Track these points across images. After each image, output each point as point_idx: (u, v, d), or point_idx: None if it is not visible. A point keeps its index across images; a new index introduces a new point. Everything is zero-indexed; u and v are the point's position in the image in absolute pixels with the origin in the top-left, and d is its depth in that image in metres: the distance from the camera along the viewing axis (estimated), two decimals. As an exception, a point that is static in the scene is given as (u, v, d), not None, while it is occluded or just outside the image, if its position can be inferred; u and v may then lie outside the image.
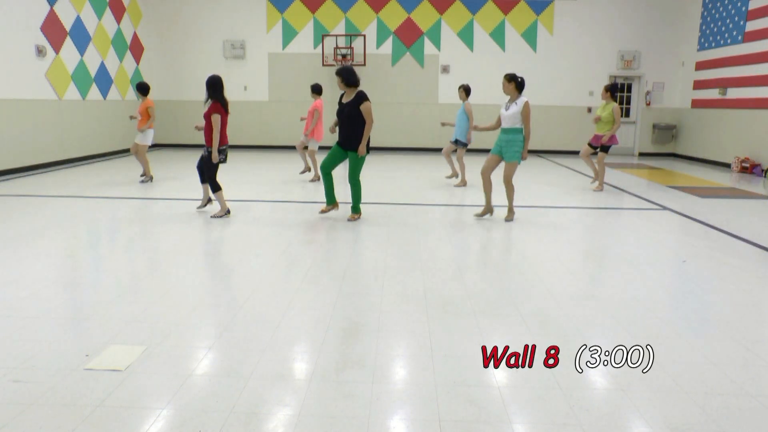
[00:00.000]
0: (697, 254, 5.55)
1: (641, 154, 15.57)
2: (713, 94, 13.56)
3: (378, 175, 10.87)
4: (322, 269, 4.82)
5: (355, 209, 6.81)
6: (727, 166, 12.85)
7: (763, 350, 3.35)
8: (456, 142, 9.53)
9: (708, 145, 13.86)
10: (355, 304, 3.99)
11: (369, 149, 6.70)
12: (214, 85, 6.60)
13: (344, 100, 6.58)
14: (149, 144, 9.36)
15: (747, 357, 3.26)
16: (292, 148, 15.13)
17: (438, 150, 14.98)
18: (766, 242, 5.98)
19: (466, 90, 9.35)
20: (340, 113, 6.60)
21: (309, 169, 10.14)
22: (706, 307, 4.08)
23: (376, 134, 15.55)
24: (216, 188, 6.72)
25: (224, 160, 6.75)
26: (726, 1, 13.09)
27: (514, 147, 6.59)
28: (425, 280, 4.56)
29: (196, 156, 13.67)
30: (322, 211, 6.91)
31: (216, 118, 6.51)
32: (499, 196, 7.53)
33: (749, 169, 11.88)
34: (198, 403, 2.67)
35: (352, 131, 6.49)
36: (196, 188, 8.92)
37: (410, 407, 2.67)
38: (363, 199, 8.02)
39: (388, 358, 3.17)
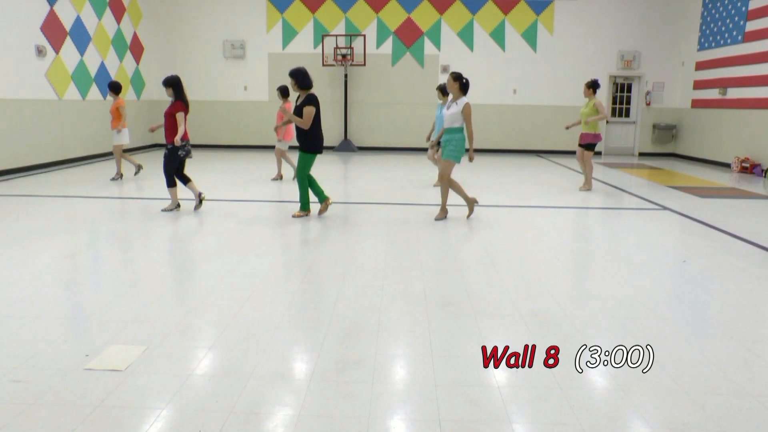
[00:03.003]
0: (697, 254, 5.55)
1: (641, 154, 15.57)
2: (713, 94, 13.56)
3: (378, 175, 10.88)
4: (322, 269, 4.82)
5: (302, 207, 6.85)
6: (727, 166, 12.85)
7: (763, 350, 3.35)
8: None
9: (708, 145, 13.86)
10: (355, 304, 3.99)
11: (318, 150, 6.69)
12: (178, 85, 6.86)
13: (298, 102, 6.65)
14: (124, 143, 9.49)
15: (747, 357, 3.26)
16: (294, 148, 15.12)
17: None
18: (766, 242, 5.98)
19: (442, 90, 9.12)
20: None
21: (281, 177, 9.97)
22: (706, 307, 4.08)
23: (376, 134, 15.59)
24: (171, 184, 6.99)
25: (187, 155, 6.98)
26: (726, 1, 13.09)
27: (451, 145, 6.60)
28: (425, 280, 4.56)
29: (197, 156, 13.66)
30: (319, 213, 6.95)
31: (181, 116, 6.77)
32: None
33: (749, 169, 11.88)
34: (198, 403, 2.67)
35: (299, 132, 6.61)
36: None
37: (410, 407, 2.67)
38: (364, 199, 8.04)
39: (388, 358, 3.17)
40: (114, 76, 13.35)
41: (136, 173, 9.91)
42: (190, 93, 15.22)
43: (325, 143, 15.75)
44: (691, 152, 14.67)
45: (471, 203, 6.94)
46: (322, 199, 6.88)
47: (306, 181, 6.78)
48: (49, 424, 2.48)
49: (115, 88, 9.36)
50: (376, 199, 8.20)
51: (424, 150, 15.50)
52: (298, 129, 6.60)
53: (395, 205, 7.73)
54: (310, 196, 6.93)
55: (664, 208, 7.92)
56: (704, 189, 9.75)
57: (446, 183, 6.77)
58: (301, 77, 6.50)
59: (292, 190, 8.91)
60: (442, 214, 6.85)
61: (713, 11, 13.62)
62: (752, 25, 12.10)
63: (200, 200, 7.08)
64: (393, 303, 4.02)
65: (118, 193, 8.39)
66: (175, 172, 7.00)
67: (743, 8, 12.42)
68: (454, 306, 3.98)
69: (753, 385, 2.93)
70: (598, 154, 15.48)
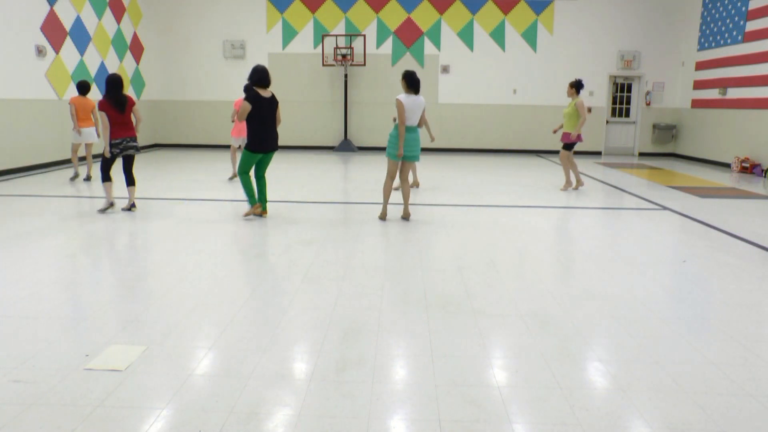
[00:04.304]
0: (697, 254, 5.55)
1: (641, 154, 15.57)
2: (713, 94, 13.56)
3: (378, 175, 10.87)
4: (322, 269, 4.82)
5: (250, 202, 6.75)
6: (727, 166, 12.85)
7: (763, 350, 3.35)
8: None
9: (708, 145, 13.86)
10: (355, 304, 3.99)
11: (255, 149, 6.53)
12: (110, 84, 6.81)
13: None
14: (76, 143, 9.37)
15: (747, 357, 3.26)
16: (294, 148, 15.13)
17: (438, 150, 14.98)
18: (766, 242, 5.98)
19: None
20: None
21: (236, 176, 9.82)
22: (706, 307, 4.08)
23: (376, 134, 15.56)
24: (106, 179, 6.95)
25: (119, 153, 6.93)
26: (726, 1, 13.09)
27: (389, 143, 6.52)
28: (425, 280, 4.56)
29: (197, 155, 13.69)
30: (245, 214, 6.83)
31: (102, 115, 6.76)
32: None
33: (749, 169, 11.87)
34: (198, 403, 2.67)
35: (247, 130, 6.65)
36: (195, 188, 8.93)
37: (410, 407, 2.67)
38: (364, 199, 8.06)
39: (388, 358, 3.17)
40: (114, 76, 13.34)
41: (72, 178, 9.45)
42: (190, 93, 15.42)
43: (326, 143, 15.85)
44: (691, 152, 14.66)
45: (384, 212, 6.80)
46: (253, 202, 6.71)
47: (246, 177, 6.61)
48: (49, 424, 2.48)
49: (83, 88, 9.21)
50: (376, 199, 8.19)
51: (423, 150, 15.47)
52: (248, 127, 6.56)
53: (395, 205, 7.73)
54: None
55: (664, 208, 7.92)
56: (704, 189, 9.75)
57: (386, 182, 6.67)
58: (250, 74, 6.46)
59: (293, 190, 8.92)
60: (384, 214, 6.75)
61: (713, 11, 13.62)
62: (752, 25, 12.10)
63: (108, 207, 7.05)
64: (393, 303, 4.03)
65: (117, 194, 8.38)
66: (108, 168, 6.94)
67: (743, 8, 12.42)
68: (454, 306, 3.98)
69: (753, 385, 2.94)
70: (598, 154, 15.49)
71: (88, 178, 9.52)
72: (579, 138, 8.98)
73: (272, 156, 6.74)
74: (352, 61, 14.78)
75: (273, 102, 6.52)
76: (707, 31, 13.84)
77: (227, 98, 15.48)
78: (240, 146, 9.46)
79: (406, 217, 6.78)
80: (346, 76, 14.99)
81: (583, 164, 12.86)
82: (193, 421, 2.52)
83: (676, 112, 15.28)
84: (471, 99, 15.38)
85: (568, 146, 9.07)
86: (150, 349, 3.23)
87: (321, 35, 14.98)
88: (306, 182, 9.78)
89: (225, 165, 11.95)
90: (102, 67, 12.84)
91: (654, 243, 5.98)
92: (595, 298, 4.24)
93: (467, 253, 5.51)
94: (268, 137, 6.52)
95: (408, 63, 15.27)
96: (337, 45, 14.76)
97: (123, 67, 13.78)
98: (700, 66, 14.11)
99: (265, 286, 4.39)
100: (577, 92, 8.93)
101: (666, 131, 15.31)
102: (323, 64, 14.94)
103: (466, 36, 15.17)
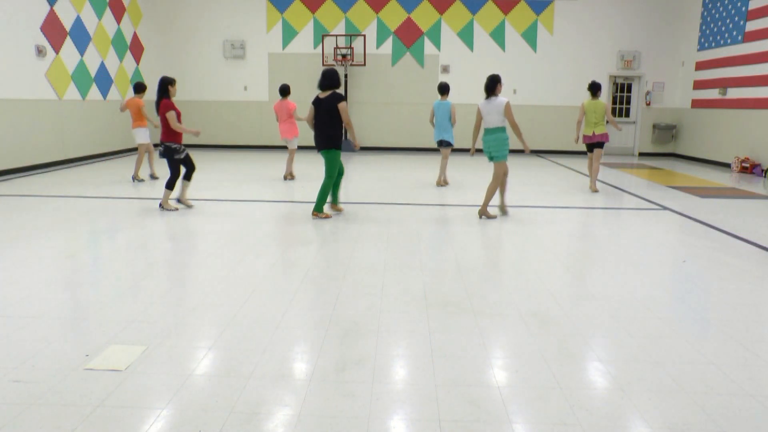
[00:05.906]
0: (697, 254, 5.55)
1: (641, 154, 15.57)
2: (713, 94, 13.56)
3: (378, 175, 10.88)
4: (322, 269, 4.82)
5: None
6: (727, 166, 12.85)
7: (763, 350, 3.35)
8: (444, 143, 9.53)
9: (708, 145, 13.86)
10: (355, 304, 3.99)
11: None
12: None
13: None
14: (140, 142, 9.56)
15: (747, 357, 3.26)
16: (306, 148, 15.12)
17: (438, 150, 14.97)
18: (766, 242, 5.98)
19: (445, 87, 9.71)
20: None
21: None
22: (706, 307, 4.08)
23: (376, 134, 15.58)
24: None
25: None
26: (726, 1, 13.09)
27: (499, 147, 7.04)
28: (425, 280, 4.56)
29: (197, 156, 13.66)
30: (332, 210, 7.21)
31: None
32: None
33: (749, 169, 11.87)
34: (198, 403, 2.67)
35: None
36: (195, 189, 8.94)
37: (410, 407, 2.67)
38: (364, 199, 8.04)
39: (388, 358, 3.17)
40: (114, 76, 13.36)
41: (142, 178, 9.69)
42: (190, 93, 15.43)
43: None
44: (691, 152, 14.67)
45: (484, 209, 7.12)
46: (316, 209, 6.88)
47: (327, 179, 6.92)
48: (49, 424, 2.48)
49: (139, 88, 9.63)
50: (376, 199, 8.20)
51: (424, 150, 15.50)
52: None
53: (395, 205, 7.73)
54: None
55: (664, 208, 7.92)
56: (704, 189, 9.75)
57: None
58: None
59: (293, 190, 8.92)
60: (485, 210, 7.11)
61: (713, 11, 13.62)
62: (752, 25, 12.10)
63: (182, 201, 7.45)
64: (393, 303, 4.03)
65: (117, 194, 8.38)
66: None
67: (743, 8, 12.42)
68: (454, 306, 3.98)
69: (753, 385, 2.94)
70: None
71: (142, 179, 9.64)
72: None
73: (330, 155, 6.72)
74: (352, 61, 14.78)
75: (324, 102, 6.61)
76: (707, 31, 13.84)
77: (227, 98, 15.50)
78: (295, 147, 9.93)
79: (503, 212, 7.25)
80: (346, 76, 14.98)
81: (582, 164, 12.84)
82: (193, 421, 2.52)
83: (676, 112, 15.28)
84: (471, 99, 15.36)
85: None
86: (150, 349, 3.23)
87: (321, 35, 14.98)
88: (306, 182, 9.77)
89: (225, 165, 11.97)
90: (102, 67, 12.85)
91: (654, 243, 5.98)
92: (595, 298, 4.24)
93: (467, 252, 5.51)
94: (316, 135, 6.75)
95: (408, 63, 15.28)
96: (337, 45, 14.77)
97: (123, 67, 13.78)
98: (700, 66, 14.11)
99: (265, 286, 4.39)
100: (593, 94, 9.12)
101: (666, 131, 15.32)
102: (323, 64, 14.91)
103: (466, 36, 15.17)
